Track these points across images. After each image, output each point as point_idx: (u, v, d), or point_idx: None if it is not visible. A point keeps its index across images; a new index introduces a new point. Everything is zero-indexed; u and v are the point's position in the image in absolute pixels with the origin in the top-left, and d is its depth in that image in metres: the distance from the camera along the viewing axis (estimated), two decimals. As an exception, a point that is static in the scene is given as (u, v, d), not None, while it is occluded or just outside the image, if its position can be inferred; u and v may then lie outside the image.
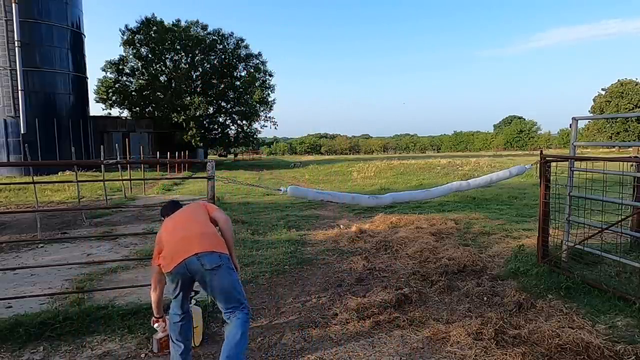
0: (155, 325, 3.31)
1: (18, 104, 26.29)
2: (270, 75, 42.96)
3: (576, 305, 4.03)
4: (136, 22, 38.35)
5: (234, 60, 40.25)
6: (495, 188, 13.35)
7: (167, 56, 38.54)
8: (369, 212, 9.74)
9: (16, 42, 25.60)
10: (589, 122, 67.43)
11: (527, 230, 7.30)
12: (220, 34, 39.69)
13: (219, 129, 40.48)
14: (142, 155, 24.66)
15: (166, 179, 20.99)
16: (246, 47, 40.96)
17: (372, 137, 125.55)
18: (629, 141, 52.74)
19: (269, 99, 43.18)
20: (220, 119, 40.78)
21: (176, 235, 3.00)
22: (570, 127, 5.05)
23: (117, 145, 19.28)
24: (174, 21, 38.67)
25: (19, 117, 26.37)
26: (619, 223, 4.65)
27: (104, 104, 39.06)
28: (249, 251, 6.40)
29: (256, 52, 41.41)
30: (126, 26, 38.13)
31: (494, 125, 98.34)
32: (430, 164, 23.78)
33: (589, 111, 67.61)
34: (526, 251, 5.67)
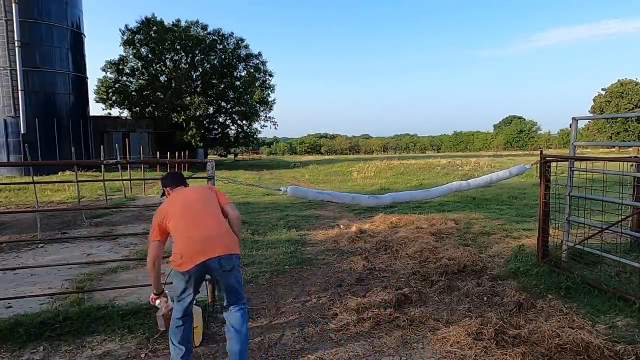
0: (157, 302, 3.18)
1: (18, 104, 26.29)
2: (270, 75, 43.01)
3: (576, 305, 4.03)
4: (136, 22, 38.39)
5: (234, 60, 40.24)
6: (495, 188, 13.35)
7: (167, 56, 38.53)
8: (369, 212, 9.74)
9: (16, 42, 25.59)
10: (589, 122, 67.41)
11: (527, 230, 7.30)
12: (220, 34, 39.70)
13: (219, 129, 40.49)
14: (142, 155, 24.66)
15: (166, 179, 20.93)
16: (246, 47, 40.99)
17: (372, 137, 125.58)
18: (629, 141, 52.74)
19: (269, 99, 43.21)
20: (220, 119, 40.78)
21: (194, 233, 2.91)
22: (570, 127, 5.05)
23: (117, 145, 19.28)
24: (174, 21, 38.69)
25: (19, 117, 26.36)
26: (619, 223, 4.65)
27: (104, 104, 39.07)
28: (249, 251, 6.40)
29: (256, 52, 41.47)
30: (126, 26, 38.16)
31: (494, 125, 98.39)
32: (430, 164, 23.77)
33: (589, 111, 67.62)
34: (526, 251, 5.67)
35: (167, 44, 37.37)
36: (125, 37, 37.91)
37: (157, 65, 38.58)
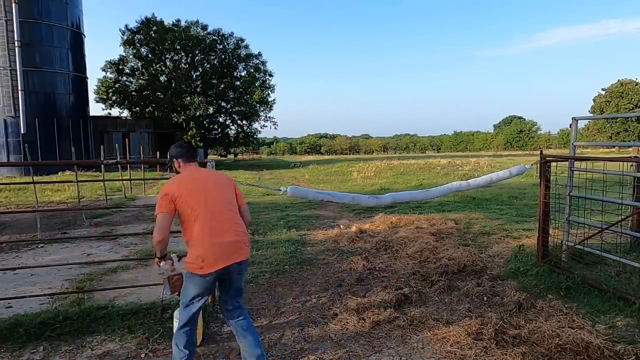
0: (162, 264, 2.95)
1: (18, 104, 26.29)
2: (270, 75, 43.01)
3: (576, 305, 4.03)
4: (136, 22, 38.39)
5: (234, 60, 40.25)
6: (495, 188, 13.35)
7: (167, 56, 38.53)
8: (369, 212, 9.74)
9: (16, 42, 25.59)
10: (589, 122, 67.42)
11: (527, 230, 7.30)
12: (220, 34, 39.70)
13: (219, 129, 40.50)
14: (142, 155, 24.67)
15: (166, 179, 20.97)
16: (246, 47, 40.99)
17: (372, 137, 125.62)
18: (629, 141, 52.75)
19: (269, 99, 43.21)
20: (220, 119, 40.79)
21: (218, 237, 2.76)
22: (570, 127, 5.05)
23: (117, 145, 19.30)
24: (174, 21, 38.68)
25: (19, 117, 26.36)
26: (619, 223, 4.65)
27: (104, 104, 39.06)
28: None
29: (256, 52, 41.47)
30: (126, 26, 38.16)
31: (494, 125, 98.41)
32: (430, 164, 23.77)
33: (589, 111, 67.63)
34: (526, 251, 5.67)
35: (167, 44, 37.37)
36: (125, 37, 37.91)
37: (157, 65, 38.58)
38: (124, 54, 38.80)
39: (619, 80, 65.11)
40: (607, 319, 3.75)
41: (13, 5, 25.10)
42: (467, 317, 3.91)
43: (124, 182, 14.69)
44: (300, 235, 7.50)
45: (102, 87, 39.00)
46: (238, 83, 39.43)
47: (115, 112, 39.79)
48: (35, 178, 13.48)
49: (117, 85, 38.67)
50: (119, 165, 15.48)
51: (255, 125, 42.57)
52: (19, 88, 26.09)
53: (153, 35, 37.03)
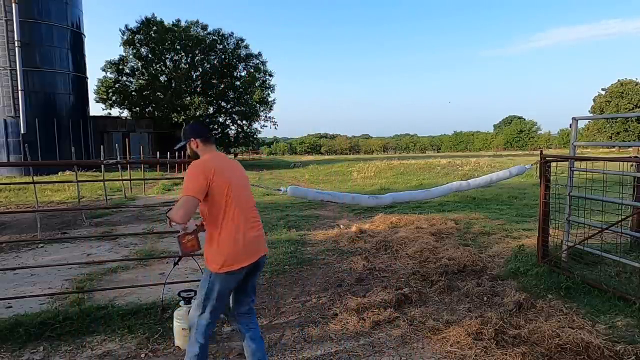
0: (173, 223, 2.66)
1: (18, 104, 26.30)
2: (270, 75, 43.07)
3: (576, 305, 4.03)
4: (136, 22, 38.47)
5: (234, 60, 40.28)
6: (495, 188, 13.35)
7: (167, 56, 38.58)
8: (369, 212, 9.74)
9: (16, 42, 25.61)
10: (589, 122, 67.46)
11: (527, 230, 7.30)
12: (220, 34, 39.75)
13: (219, 129, 40.50)
14: (142, 155, 24.69)
15: (166, 179, 20.97)
16: (246, 47, 41.05)
17: (372, 137, 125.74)
18: (629, 141, 52.75)
19: (269, 99, 43.28)
20: (220, 119, 40.81)
21: (247, 232, 2.64)
22: (570, 127, 5.05)
23: (117, 145, 19.30)
24: (174, 21, 38.76)
25: (19, 117, 26.38)
26: (619, 223, 4.65)
27: (104, 104, 39.11)
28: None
29: (256, 52, 41.58)
30: (126, 26, 38.22)
31: (494, 125, 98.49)
32: (430, 164, 23.78)
33: (589, 111, 67.67)
34: (526, 251, 5.67)
35: (167, 44, 37.40)
36: (125, 37, 37.96)
37: (157, 65, 38.61)
38: (124, 54, 38.91)
39: (619, 80, 65.15)
40: (607, 319, 3.75)
41: (13, 5, 25.11)
42: (467, 317, 3.90)
43: (124, 182, 14.70)
44: (300, 235, 7.50)
45: (102, 87, 39.04)
46: (238, 83, 39.47)
47: (115, 112, 39.91)
48: (35, 178, 13.49)
49: (117, 85, 38.71)
50: (119, 165, 15.48)
51: (255, 125, 42.66)
52: (19, 88, 26.11)
53: (153, 35, 37.06)
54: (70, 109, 29.29)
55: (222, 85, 39.21)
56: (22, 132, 26.49)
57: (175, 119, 35.07)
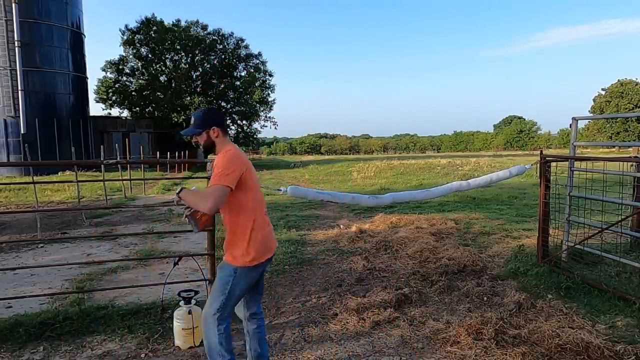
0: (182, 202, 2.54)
1: (18, 104, 26.31)
2: (270, 75, 43.04)
3: (576, 305, 4.03)
4: (136, 22, 38.47)
5: (234, 60, 40.26)
6: (495, 188, 13.35)
7: (167, 56, 38.58)
8: (369, 212, 9.74)
9: (16, 42, 25.61)
10: (589, 122, 67.48)
11: (527, 230, 7.30)
12: (220, 34, 39.73)
13: (219, 129, 40.46)
14: (142, 155, 24.69)
15: (166, 179, 20.99)
16: (246, 47, 41.04)
17: (372, 137, 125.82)
18: (629, 141, 52.75)
19: (269, 99, 43.25)
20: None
21: (266, 226, 2.66)
22: (570, 127, 5.05)
23: (117, 145, 19.31)
24: (174, 21, 38.75)
25: (19, 117, 26.39)
26: (619, 223, 4.65)
27: (104, 104, 39.11)
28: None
29: (256, 52, 41.54)
30: (126, 26, 38.23)
31: (494, 125, 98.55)
32: (430, 164, 23.78)
33: (589, 111, 67.68)
34: (526, 251, 5.66)
35: (167, 44, 37.40)
36: (125, 37, 37.96)
37: (157, 65, 38.61)
38: (124, 54, 38.91)
39: (619, 80, 65.17)
40: (607, 319, 3.75)
41: (13, 5, 25.12)
42: (467, 317, 3.91)
43: (124, 182, 14.70)
44: (300, 235, 7.50)
45: (102, 87, 39.05)
46: (238, 83, 39.46)
47: (115, 112, 39.91)
48: (35, 178, 13.50)
49: (117, 85, 38.72)
50: (119, 165, 15.48)
51: (255, 125, 42.64)
52: (19, 88, 26.11)
53: (153, 35, 37.06)
54: (70, 109, 29.29)
55: (222, 85, 39.21)
56: (22, 132, 26.50)
57: (175, 119, 35.07)
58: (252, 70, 40.79)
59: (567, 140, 56.40)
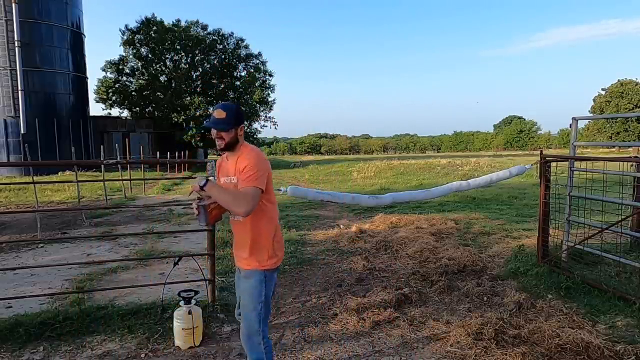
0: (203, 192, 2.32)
1: (18, 104, 26.30)
2: (270, 75, 43.04)
3: (576, 305, 4.03)
4: (136, 22, 38.49)
5: (234, 60, 40.28)
6: (495, 188, 13.35)
7: (167, 56, 38.59)
8: (369, 212, 9.74)
9: (16, 42, 25.61)
10: (589, 122, 67.47)
11: (527, 230, 7.30)
12: (220, 34, 39.75)
13: (219, 129, 40.48)
14: (142, 155, 24.69)
15: (166, 179, 20.99)
16: (246, 47, 41.05)
17: (372, 137, 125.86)
18: (629, 141, 52.76)
19: (269, 99, 43.22)
20: (221, 119, 40.76)
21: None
22: (570, 127, 5.05)
23: (117, 145, 19.30)
24: (174, 21, 38.76)
25: (19, 117, 26.38)
26: (619, 223, 4.65)
27: (104, 104, 39.12)
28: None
29: (256, 52, 41.55)
30: (126, 26, 38.24)
31: (494, 125, 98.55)
32: (430, 164, 23.78)
33: (589, 111, 67.68)
34: (526, 251, 5.67)
35: (167, 44, 37.41)
36: (125, 37, 37.97)
37: (157, 65, 38.62)
38: (124, 54, 38.93)
39: (619, 80, 65.17)
40: (607, 319, 3.75)
41: (13, 5, 25.12)
42: (467, 317, 3.91)
43: (124, 182, 14.69)
44: (300, 235, 7.50)
45: (102, 87, 39.05)
46: (238, 83, 39.48)
47: (115, 112, 39.92)
48: (35, 178, 13.48)
49: (117, 85, 38.73)
50: (119, 165, 15.49)
51: (256, 125, 42.62)
52: (19, 88, 26.11)
53: (153, 35, 37.07)
54: (70, 109, 29.29)
55: (222, 85, 39.22)
56: (22, 132, 26.49)
57: (175, 119, 35.08)
58: (252, 70, 40.80)
59: (567, 140, 56.41)
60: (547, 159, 5.07)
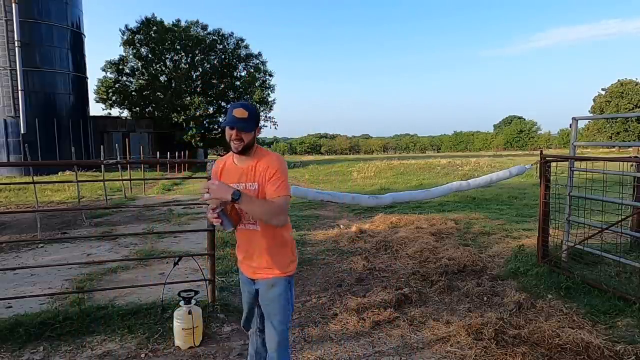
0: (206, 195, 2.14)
1: (18, 104, 26.30)
2: (270, 75, 43.01)
3: (576, 305, 4.02)
4: (136, 22, 38.46)
5: (234, 60, 40.27)
6: (495, 188, 13.35)
7: (167, 56, 38.58)
8: (369, 212, 9.74)
9: (16, 42, 25.61)
10: (589, 122, 67.46)
11: (527, 230, 7.30)
12: (220, 34, 39.74)
13: (219, 129, 40.51)
14: (142, 155, 24.70)
15: (166, 179, 20.99)
16: (246, 47, 41.04)
17: (372, 137, 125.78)
18: (629, 141, 52.75)
19: (269, 99, 43.18)
20: (220, 119, 40.74)
21: None
22: (570, 127, 5.05)
23: (117, 145, 19.32)
24: (174, 21, 38.74)
25: (19, 117, 26.38)
26: (619, 223, 4.65)
27: (104, 104, 39.10)
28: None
29: (256, 52, 41.52)
30: (126, 26, 38.21)
31: (494, 125, 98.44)
32: (430, 164, 23.77)
33: (589, 111, 67.67)
34: (526, 251, 5.67)
35: (167, 44, 37.40)
36: (125, 37, 37.95)
37: (157, 65, 38.61)
38: (124, 54, 38.90)
39: (619, 80, 65.15)
40: (607, 319, 3.75)
41: (13, 5, 25.11)
42: (467, 317, 3.91)
43: (124, 182, 14.70)
44: (300, 235, 7.50)
45: (102, 87, 39.03)
46: (238, 83, 39.48)
47: (115, 112, 39.90)
48: (35, 178, 13.49)
49: (117, 85, 38.72)
50: (119, 165, 15.49)
51: (255, 125, 42.53)
52: (19, 88, 26.11)
53: (153, 35, 37.07)
54: (70, 109, 29.28)
55: (222, 85, 39.22)
56: (22, 132, 26.49)
57: (175, 119, 35.08)
58: (252, 70, 40.79)
59: (567, 140, 56.39)
60: (547, 159, 5.07)
